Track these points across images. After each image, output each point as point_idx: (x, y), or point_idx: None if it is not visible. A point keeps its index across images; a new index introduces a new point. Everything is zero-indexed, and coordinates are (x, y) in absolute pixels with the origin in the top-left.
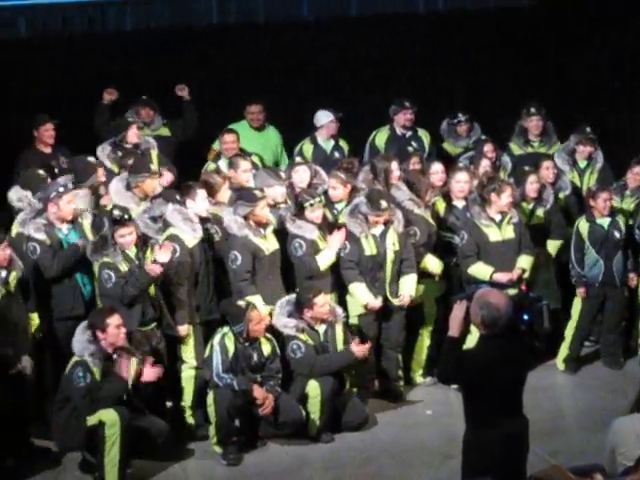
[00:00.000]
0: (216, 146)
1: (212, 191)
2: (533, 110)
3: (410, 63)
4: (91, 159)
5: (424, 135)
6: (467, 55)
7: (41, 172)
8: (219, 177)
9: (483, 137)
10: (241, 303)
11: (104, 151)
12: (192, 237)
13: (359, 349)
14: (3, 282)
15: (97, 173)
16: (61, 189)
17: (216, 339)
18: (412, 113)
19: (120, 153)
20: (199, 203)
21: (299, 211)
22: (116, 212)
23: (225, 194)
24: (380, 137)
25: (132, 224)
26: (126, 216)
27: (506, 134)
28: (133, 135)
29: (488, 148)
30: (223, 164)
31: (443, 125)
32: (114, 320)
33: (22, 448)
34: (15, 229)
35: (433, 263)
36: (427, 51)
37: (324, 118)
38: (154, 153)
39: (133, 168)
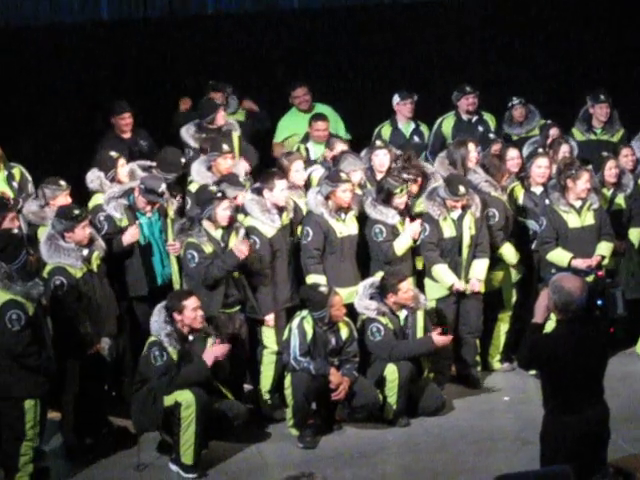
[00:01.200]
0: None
1: (284, 173)
2: (602, 97)
3: (469, 47)
4: (183, 159)
5: (490, 119)
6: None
7: (113, 153)
8: (287, 160)
9: (548, 122)
10: (323, 289)
11: (188, 131)
12: (270, 227)
13: (440, 339)
14: (84, 260)
15: (179, 171)
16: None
17: (295, 323)
18: (474, 97)
19: (204, 134)
20: (277, 193)
21: (381, 196)
22: (213, 188)
23: (297, 176)
24: (446, 124)
25: (228, 200)
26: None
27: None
28: (220, 117)
29: (554, 132)
30: (312, 148)
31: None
32: (191, 302)
33: (101, 427)
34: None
35: (509, 253)
36: (487, 36)
37: (395, 99)
38: (235, 135)
39: (209, 148)
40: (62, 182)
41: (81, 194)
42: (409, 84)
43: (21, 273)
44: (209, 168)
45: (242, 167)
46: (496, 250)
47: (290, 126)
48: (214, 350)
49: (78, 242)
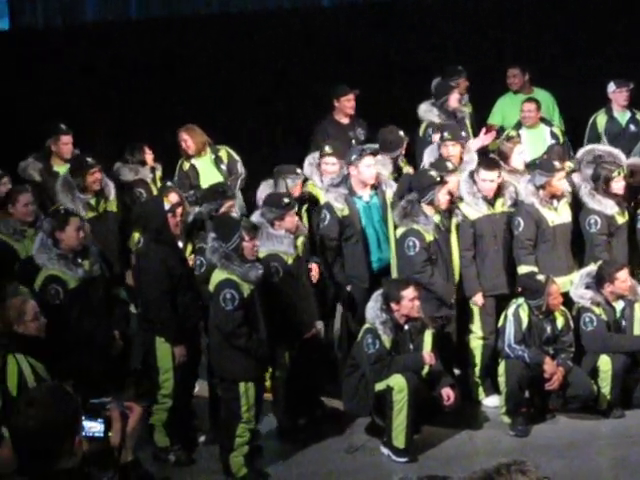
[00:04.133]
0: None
1: (504, 158)
2: None
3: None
4: (401, 133)
5: None
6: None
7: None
8: (510, 144)
9: None
10: (540, 277)
11: (432, 111)
12: (476, 210)
13: None
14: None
15: (402, 147)
16: (360, 152)
17: (510, 310)
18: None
19: (444, 116)
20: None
21: (599, 184)
22: (434, 172)
23: (517, 161)
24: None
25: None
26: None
27: None
28: (454, 100)
29: None
30: (524, 133)
31: None
32: (409, 293)
33: (314, 409)
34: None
35: None
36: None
37: (610, 87)
38: (469, 123)
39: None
40: (299, 170)
41: None
42: (625, 72)
43: (238, 255)
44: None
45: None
46: None
47: (503, 108)
48: (430, 357)
49: (287, 230)
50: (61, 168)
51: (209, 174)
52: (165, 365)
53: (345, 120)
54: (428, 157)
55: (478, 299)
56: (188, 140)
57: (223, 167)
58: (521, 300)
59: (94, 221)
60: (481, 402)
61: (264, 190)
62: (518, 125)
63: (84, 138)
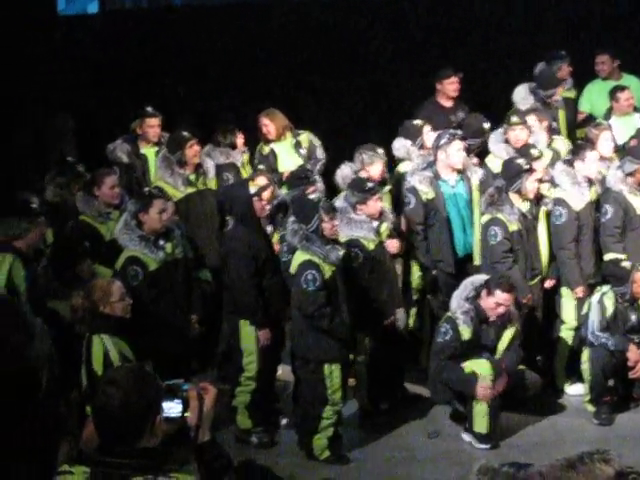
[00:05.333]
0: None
1: (591, 145)
2: None
3: None
4: (485, 125)
5: None
6: None
7: (418, 122)
8: (596, 130)
9: None
10: (626, 264)
11: (526, 99)
12: (580, 200)
13: None
14: (375, 232)
15: (484, 136)
16: (450, 137)
17: (595, 297)
18: None
19: (539, 104)
20: (588, 165)
21: None
22: (521, 161)
23: (605, 147)
24: None
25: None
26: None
27: None
28: (558, 93)
29: None
30: (615, 121)
31: None
32: (502, 297)
33: (396, 394)
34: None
35: None
36: None
37: None
38: (562, 113)
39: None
40: (379, 149)
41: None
42: None
43: (318, 236)
44: (505, 141)
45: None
46: None
47: (591, 94)
48: (484, 391)
49: (370, 215)
50: (148, 150)
51: (288, 159)
52: (249, 348)
53: (448, 103)
54: (493, 143)
55: (580, 291)
56: (269, 125)
57: (302, 152)
58: (606, 288)
59: (193, 197)
60: (564, 390)
61: (344, 169)
62: (608, 113)
63: (172, 121)
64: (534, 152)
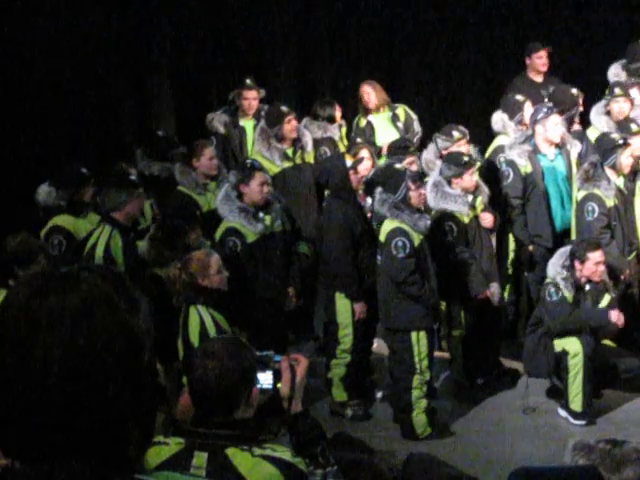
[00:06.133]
0: None
1: None
2: None
3: None
4: (574, 90)
5: None
6: None
7: (519, 97)
8: None
9: None
10: None
11: (619, 76)
12: None
13: None
14: (470, 206)
15: (579, 105)
16: (548, 110)
17: None
18: None
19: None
20: None
21: None
22: (616, 135)
23: None
24: None
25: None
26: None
27: None
28: None
29: None
30: None
31: None
32: (596, 256)
33: (492, 368)
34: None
35: None
36: None
37: None
38: None
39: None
40: (455, 132)
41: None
42: None
43: (406, 205)
44: (607, 113)
45: None
46: None
47: None
48: (618, 316)
49: (464, 189)
50: (246, 122)
51: (385, 131)
52: (345, 320)
53: (538, 78)
54: (595, 115)
55: None
56: (371, 93)
57: (399, 125)
58: None
59: (290, 171)
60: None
61: (427, 151)
62: None
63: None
64: (633, 127)
